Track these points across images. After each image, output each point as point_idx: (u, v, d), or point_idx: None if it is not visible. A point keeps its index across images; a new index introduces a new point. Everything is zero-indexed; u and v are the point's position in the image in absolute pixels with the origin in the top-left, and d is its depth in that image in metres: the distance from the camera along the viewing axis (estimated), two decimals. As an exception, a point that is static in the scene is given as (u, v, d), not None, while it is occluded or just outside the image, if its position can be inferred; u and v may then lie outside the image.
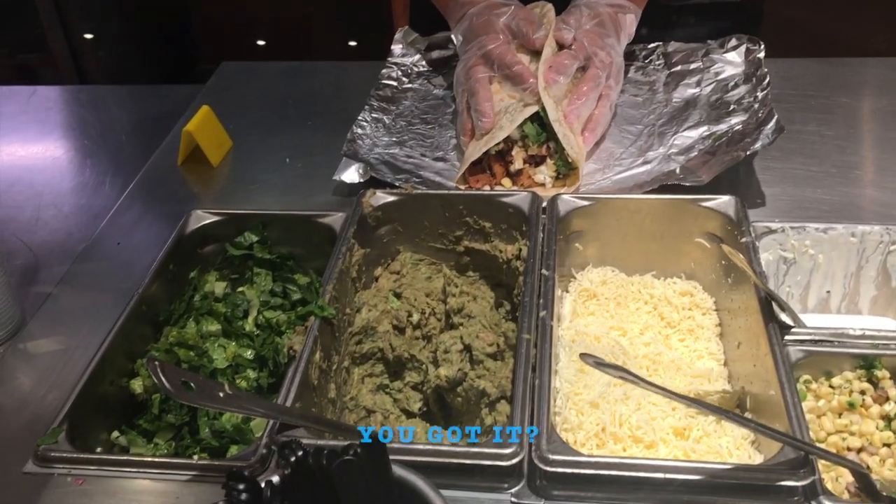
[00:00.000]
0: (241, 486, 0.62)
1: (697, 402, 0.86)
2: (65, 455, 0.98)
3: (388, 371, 1.22)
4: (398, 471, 0.68)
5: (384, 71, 1.70)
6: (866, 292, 1.26)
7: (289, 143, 1.61)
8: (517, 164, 1.39)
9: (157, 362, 0.79)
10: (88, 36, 3.47)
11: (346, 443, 0.65)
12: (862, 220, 1.25)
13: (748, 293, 1.14)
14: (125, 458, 0.99)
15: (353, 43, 3.39)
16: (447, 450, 0.91)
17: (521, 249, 1.24)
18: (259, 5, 3.52)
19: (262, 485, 0.64)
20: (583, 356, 0.80)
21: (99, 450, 1.05)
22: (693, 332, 1.22)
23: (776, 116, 1.35)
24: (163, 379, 0.78)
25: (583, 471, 0.88)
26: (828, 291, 1.27)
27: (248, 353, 1.18)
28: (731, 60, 1.63)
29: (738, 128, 1.41)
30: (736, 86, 1.55)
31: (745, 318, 1.14)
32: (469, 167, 1.39)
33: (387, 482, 0.64)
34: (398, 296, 1.27)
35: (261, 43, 3.60)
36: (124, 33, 3.65)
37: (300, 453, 0.65)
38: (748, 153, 1.31)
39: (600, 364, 0.79)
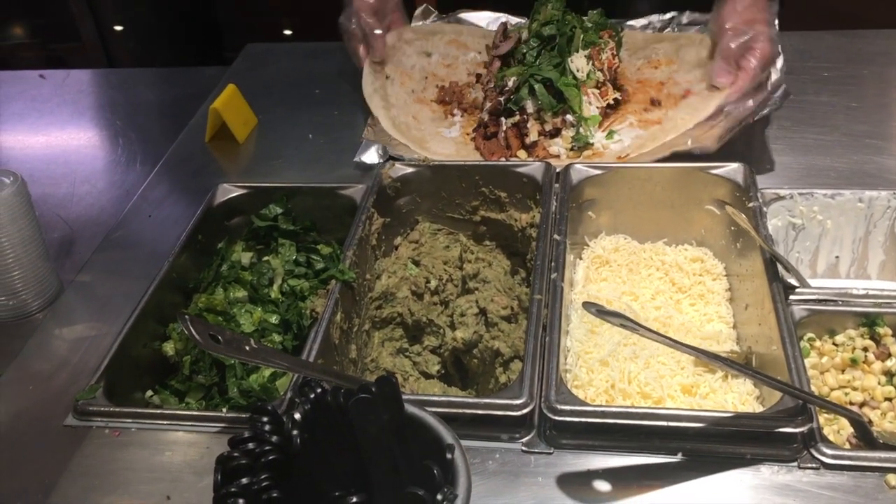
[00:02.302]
0: (265, 419, 0.67)
1: (695, 350, 0.90)
2: (102, 409, 1.04)
3: (407, 335, 1.27)
4: (409, 408, 0.73)
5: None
6: (875, 257, 1.28)
7: (312, 120, 1.66)
8: (532, 136, 1.43)
9: (187, 316, 0.84)
10: (118, 28, 3.54)
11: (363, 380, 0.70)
12: (870, 186, 1.27)
13: (755, 258, 1.17)
14: (159, 411, 1.05)
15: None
16: (460, 401, 0.95)
17: (534, 217, 1.28)
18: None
19: (284, 418, 0.70)
20: (585, 304, 0.84)
21: (134, 406, 1.11)
22: (703, 297, 1.25)
23: (784, 86, 1.37)
24: (193, 331, 0.83)
25: (589, 419, 0.92)
26: (836, 256, 1.30)
27: (274, 318, 1.23)
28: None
29: (749, 102, 1.44)
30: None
31: (753, 282, 1.17)
32: (484, 141, 1.44)
33: (399, 418, 0.69)
34: (417, 263, 1.32)
35: (287, 32, 3.65)
36: (153, 21, 3.71)
37: (318, 391, 0.70)
38: (756, 119, 1.33)
39: (602, 312, 0.83)
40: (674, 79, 1.57)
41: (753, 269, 1.18)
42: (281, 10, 3.63)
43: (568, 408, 0.92)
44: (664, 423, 0.90)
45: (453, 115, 1.60)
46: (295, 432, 0.68)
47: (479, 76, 1.67)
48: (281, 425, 0.69)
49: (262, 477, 0.68)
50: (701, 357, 0.93)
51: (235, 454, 0.70)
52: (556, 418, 0.92)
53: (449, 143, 1.53)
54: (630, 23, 1.73)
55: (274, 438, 0.70)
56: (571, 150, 1.44)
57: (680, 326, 1.20)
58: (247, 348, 0.89)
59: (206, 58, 3.75)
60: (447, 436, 0.72)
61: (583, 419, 0.92)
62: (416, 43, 1.74)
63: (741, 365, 0.94)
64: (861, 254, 1.28)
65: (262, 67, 1.89)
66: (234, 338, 0.88)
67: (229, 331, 0.90)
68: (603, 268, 1.31)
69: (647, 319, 1.21)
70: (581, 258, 1.32)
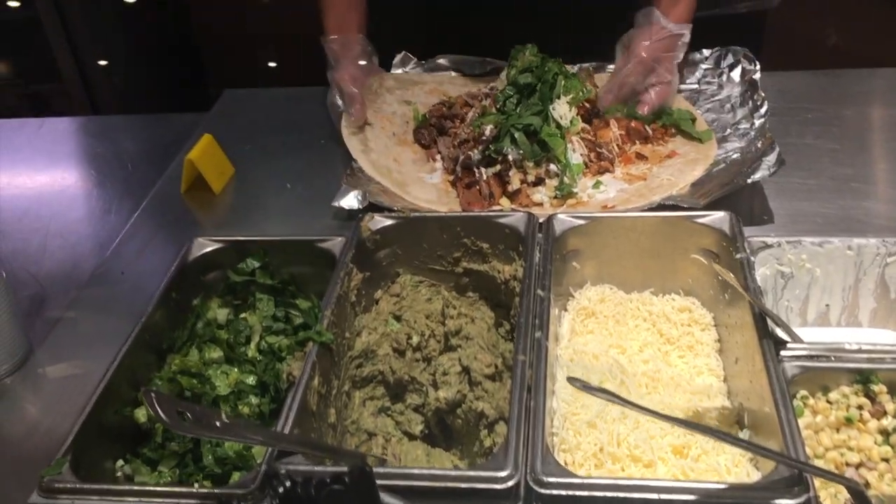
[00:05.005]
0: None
1: (687, 424, 0.87)
2: (69, 486, 0.99)
3: (388, 394, 1.23)
4: (386, 498, 0.69)
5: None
6: (865, 305, 1.26)
7: (290, 168, 1.63)
8: (514, 185, 1.40)
9: (152, 393, 0.80)
10: (102, 62, 3.52)
11: (335, 469, 0.66)
12: (859, 232, 1.25)
13: (744, 308, 1.14)
14: (127, 487, 1.01)
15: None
16: (443, 473, 0.91)
17: (517, 270, 1.25)
18: (264, 25, 3.57)
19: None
20: (570, 380, 0.81)
21: (103, 481, 1.06)
22: (692, 349, 1.22)
23: (777, 149, 1.36)
24: (158, 410, 0.79)
25: (578, 492, 0.88)
26: (827, 305, 1.27)
27: (251, 380, 1.19)
28: (728, 80, 1.65)
29: (735, 156, 1.43)
30: (732, 108, 1.56)
31: (742, 334, 1.14)
32: (464, 191, 1.41)
33: (375, 510, 0.65)
34: (398, 318, 1.29)
35: (271, 64, 3.64)
36: (133, 59, 3.70)
37: (288, 484, 0.66)
38: (748, 182, 1.31)
39: (588, 388, 0.80)
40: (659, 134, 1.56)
41: (742, 319, 1.15)
42: (263, 40, 3.63)
43: (555, 480, 0.89)
44: (655, 496, 0.86)
45: (435, 159, 1.58)
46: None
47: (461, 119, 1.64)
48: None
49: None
50: (695, 431, 0.89)
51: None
52: (543, 491, 0.88)
53: (430, 188, 1.51)
54: (610, 67, 1.72)
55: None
56: (555, 198, 1.41)
57: (669, 381, 1.17)
58: (217, 424, 0.85)
59: (188, 96, 3.75)
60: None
61: (571, 492, 0.88)
62: (396, 91, 1.73)
63: (735, 438, 0.91)
64: (852, 301, 1.26)
65: (241, 114, 1.87)
66: (203, 414, 0.84)
67: (199, 406, 0.86)
68: (589, 319, 1.28)
69: (636, 374, 1.18)
70: (566, 310, 1.29)
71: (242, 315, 1.30)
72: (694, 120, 1.54)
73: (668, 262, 1.29)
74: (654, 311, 1.27)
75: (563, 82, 1.51)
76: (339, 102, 1.62)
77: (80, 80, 3.51)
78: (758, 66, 1.65)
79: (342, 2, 1.69)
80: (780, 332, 1.07)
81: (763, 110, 1.53)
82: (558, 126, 1.43)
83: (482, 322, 1.25)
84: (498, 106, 1.51)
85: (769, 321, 1.07)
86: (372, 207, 1.40)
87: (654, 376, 1.17)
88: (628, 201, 1.38)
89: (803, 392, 1.05)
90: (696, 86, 1.70)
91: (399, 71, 1.83)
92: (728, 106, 1.61)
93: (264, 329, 1.27)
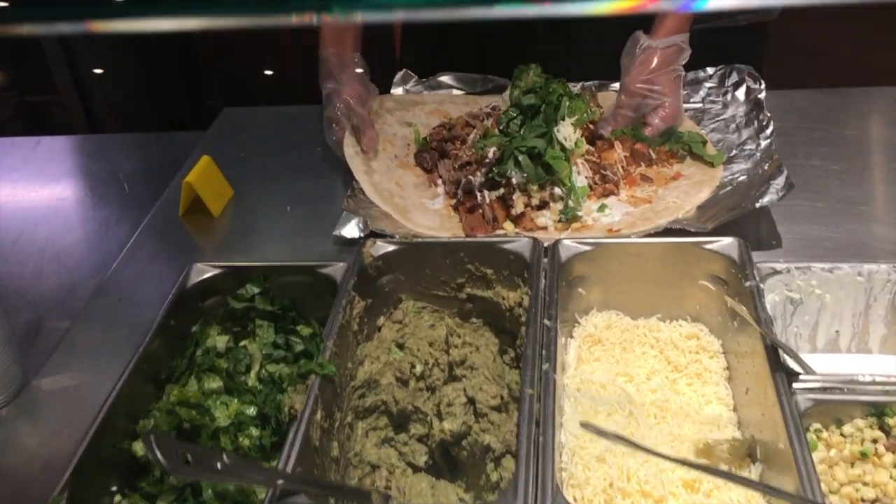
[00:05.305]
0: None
1: (702, 467, 0.85)
2: (66, 524, 0.97)
3: (392, 424, 1.21)
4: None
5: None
6: (876, 331, 1.24)
7: (290, 190, 1.61)
8: (518, 209, 1.38)
9: (152, 437, 0.78)
10: (98, 70, 3.50)
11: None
12: (869, 257, 1.23)
13: (754, 336, 1.12)
14: (126, 525, 0.98)
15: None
16: (450, 514, 0.89)
17: (523, 298, 1.23)
18: (263, 37, 3.55)
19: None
20: (583, 425, 0.79)
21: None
22: (701, 377, 1.20)
23: (785, 172, 1.34)
24: (158, 455, 0.76)
25: (589, 533, 0.86)
26: (836, 331, 1.25)
27: (251, 410, 1.17)
28: (732, 99, 1.63)
29: (742, 178, 1.41)
30: (738, 128, 1.55)
31: (752, 363, 1.12)
32: (466, 215, 1.39)
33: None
34: (401, 346, 1.26)
35: (268, 73, 3.62)
36: (132, 71, 3.68)
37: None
38: (756, 206, 1.29)
39: (602, 433, 0.78)
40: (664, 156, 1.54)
41: (752, 347, 1.13)
42: (264, 57, 3.61)
43: (565, 521, 0.86)
44: (669, 538, 0.84)
45: (437, 183, 1.56)
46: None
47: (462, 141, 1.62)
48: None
49: None
50: (710, 474, 0.87)
51: None
52: (553, 533, 0.86)
53: (433, 214, 1.48)
54: (614, 86, 1.70)
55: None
56: (559, 221, 1.39)
57: (678, 410, 1.15)
58: (218, 466, 0.83)
59: (187, 109, 3.72)
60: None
61: (581, 534, 0.86)
62: (396, 112, 1.71)
63: (750, 481, 0.90)
64: (862, 328, 1.24)
65: (239, 133, 1.84)
66: (204, 455, 0.82)
67: (200, 447, 0.84)
68: (595, 347, 1.26)
69: (644, 403, 1.16)
70: (572, 336, 1.27)
71: (242, 343, 1.28)
72: (705, 142, 1.52)
73: (675, 288, 1.27)
74: (662, 337, 1.25)
75: (567, 103, 1.49)
76: (344, 121, 1.59)
77: (77, 93, 3.49)
78: (762, 85, 1.63)
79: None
80: (791, 363, 1.05)
81: (769, 131, 1.51)
82: (563, 148, 1.41)
83: (487, 350, 1.23)
84: (501, 127, 1.49)
85: (781, 352, 1.05)
86: (373, 234, 1.38)
87: (662, 406, 1.15)
88: (634, 225, 1.36)
89: (816, 425, 1.03)
90: (700, 104, 1.68)
91: (399, 90, 1.81)
92: (733, 126, 1.59)
93: (264, 357, 1.25)
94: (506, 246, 1.27)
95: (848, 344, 1.26)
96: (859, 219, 1.34)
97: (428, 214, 1.46)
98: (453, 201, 1.49)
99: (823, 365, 1.17)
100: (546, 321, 1.14)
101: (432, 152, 1.59)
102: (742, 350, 1.17)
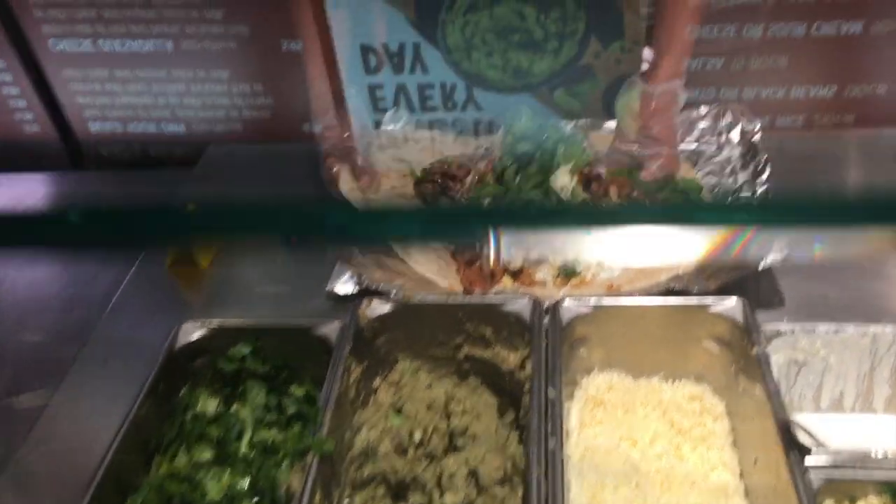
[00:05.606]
0: None
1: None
2: None
3: (389, 494, 1.17)
4: None
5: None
6: (881, 392, 1.22)
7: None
8: (517, 263, 1.35)
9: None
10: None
11: None
12: (873, 316, 1.22)
13: (759, 399, 1.10)
14: None
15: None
16: None
17: (524, 361, 1.20)
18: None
19: None
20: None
21: None
22: (706, 440, 1.18)
23: None
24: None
25: None
26: (841, 391, 1.23)
27: (244, 483, 1.13)
28: (727, 141, 1.61)
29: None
30: (734, 172, 1.52)
31: (760, 429, 1.09)
32: (465, 269, 1.36)
33: None
34: (398, 411, 1.23)
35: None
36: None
37: None
38: (759, 269, 1.27)
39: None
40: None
41: (758, 410, 1.11)
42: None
43: None
44: None
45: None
46: None
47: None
48: None
49: None
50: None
51: None
52: None
53: (432, 255, 1.44)
54: (607, 124, 1.67)
55: None
56: (558, 276, 1.36)
57: (684, 479, 1.13)
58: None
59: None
60: None
61: None
62: (388, 150, 1.67)
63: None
64: (866, 389, 1.22)
65: (225, 172, 1.79)
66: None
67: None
68: (597, 409, 1.23)
69: (649, 472, 1.14)
70: (573, 398, 1.24)
71: (233, 407, 1.24)
72: (701, 189, 1.50)
73: (677, 348, 1.24)
74: (665, 398, 1.23)
75: (562, 149, 1.46)
76: (340, 157, 1.56)
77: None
78: (758, 126, 1.61)
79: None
80: (803, 438, 1.03)
81: (765, 176, 1.48)
82: (559, 200, 1.38)
83: (487, 417, 1.20)
84: (496, 176, 1.46)
85: (792, 427, 1.03)
86: (367, 290, 1.34)
87: (667, 474, 1.13)
88: (633, 281, 1.33)
89: (829, 502, 1.01)
90: (695, 145, 1.65)
91: (390, 127, 1.77)
92: (729, 169, 1.57)
93: (256, 421, 1.21)
94: (505, 308, 1.24)
95: (852, 404, 1.24)
96: (861, 275, 1.32)
97: (427, 254, 1.42)
98: (452, 247, 1.46)
99: (828, 427, 1.16)
100: (550, 390, 1.11)
101: (434, 184, 1.55)
102: (748, 413, 1.15)
